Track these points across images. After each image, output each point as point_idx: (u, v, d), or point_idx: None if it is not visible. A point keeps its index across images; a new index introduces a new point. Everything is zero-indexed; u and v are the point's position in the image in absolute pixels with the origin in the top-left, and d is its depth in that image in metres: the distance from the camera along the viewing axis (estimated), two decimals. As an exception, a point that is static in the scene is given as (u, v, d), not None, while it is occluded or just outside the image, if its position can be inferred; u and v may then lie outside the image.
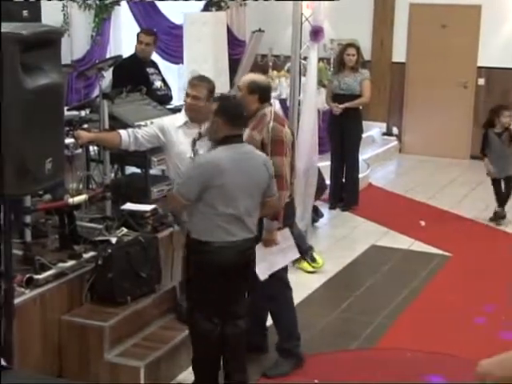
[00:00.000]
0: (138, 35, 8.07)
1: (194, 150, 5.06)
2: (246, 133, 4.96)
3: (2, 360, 3.74)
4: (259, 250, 4.88)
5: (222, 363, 4.77)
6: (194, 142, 5.07)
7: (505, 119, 8.64)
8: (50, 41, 3.82)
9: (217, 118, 4.54)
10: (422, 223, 8.69)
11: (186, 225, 4.71)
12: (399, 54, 12.53)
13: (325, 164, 9.04)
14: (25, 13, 5.59)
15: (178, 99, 8.30)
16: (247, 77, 5.36)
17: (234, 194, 4.46)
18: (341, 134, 9.12)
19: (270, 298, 5.33)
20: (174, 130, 5.39)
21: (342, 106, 8.96)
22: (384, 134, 12.74)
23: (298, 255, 5.55)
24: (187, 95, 5.44)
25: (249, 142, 4.81)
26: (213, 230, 4.48)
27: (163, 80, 8.08)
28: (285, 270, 5.38)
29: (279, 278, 5.29)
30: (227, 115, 4.52)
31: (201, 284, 4.59)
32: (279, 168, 4.97)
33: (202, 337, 4.66)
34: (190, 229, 4.60)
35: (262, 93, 5.20)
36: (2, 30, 3.54)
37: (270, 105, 5.28)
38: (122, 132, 5.37)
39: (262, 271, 5.03)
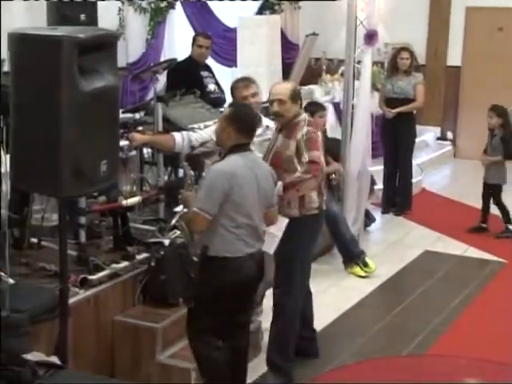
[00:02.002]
0: (194, 39, 8.09)
1: None
2: (280, 140, 4.99)
3: (56, 359, 3.79)
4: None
5: None
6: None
7: None
8: (107, 44, 3.86)
9: (229, 126, 4.47)
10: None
11: (200, 242, 4.48)
12: (454, 58, 12.39)
13: (378, 168, 8.99)
14: (82, 17, 5.69)
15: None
16: (287, 87, 5.20)
17: (250, 204, 4.41)
18: (394, 138, 9.06)
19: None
20: None
21: (394, 110, 8.89)
22: (438, 138, 12.62)
23: (271, 252, 5.04)
24: (245, 97, 5.44)
25: (280, 151, 4.85)
26: (233, 243, 4.38)
27: (217, 83, 8.11)
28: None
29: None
30: (241, 123, 4.47)
31: (217, 304, 4.43)
32: (317, 158, 4.96)
33: (214, 363, 4.54)
34: (207, 246, 4.39)
35: (301, 100, 5.20)
36: (61, 34, 3.59)
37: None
38: (176, 135, 5.39)
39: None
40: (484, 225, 8.58)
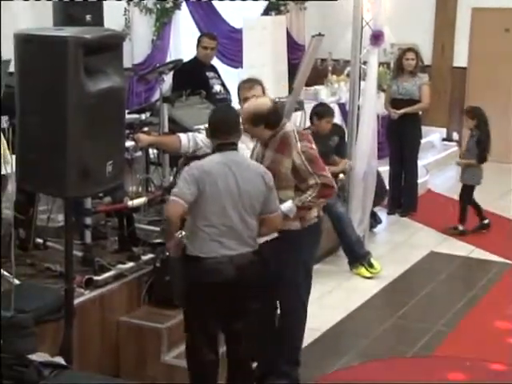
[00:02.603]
0: (199, 40, 8.08)
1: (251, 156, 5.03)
2: (269, 155, 4.79)
3: (61, 359, 3.79)
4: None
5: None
6: (253, 151, 5.04)
7: None
8: (112, 45, 3.87)
9: (208, 127, 4.59)
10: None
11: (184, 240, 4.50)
12: (460, 59, 12.37)
13: (384, 169, 8.97)
14: (88, 17, 5.68)
15: (237, 103, 8.32)
16: (246, 109, 4.86)
17: (226, 203, 4.35)
18: (399, 139, 9.05)
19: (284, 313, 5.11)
20: None
21: (399, 111, 8.89)
22: (444, 139, 12.60)
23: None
24: (245, 100, 5.45)
25: (273, 167, 4.67)
26: (207, 243, 4.35)
27: (223, 84, 8.11)
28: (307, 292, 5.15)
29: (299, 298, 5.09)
30: (216, 124, 4.51)
31: (197, 305, 4.45)
32: (330, 182, 4.87)
33: (201, 367, 4.54)
34: (185, 244, 4.45)
35: (267, 120, 4.77)
36: (67, 34, 3.60)
37: (288, 120, 5.03)
38: (182, 136, 5.39)
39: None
40: (461, 227, 8.56)
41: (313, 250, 5.14)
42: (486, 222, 8.66)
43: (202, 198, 4.33)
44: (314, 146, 4.91)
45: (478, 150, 8.45)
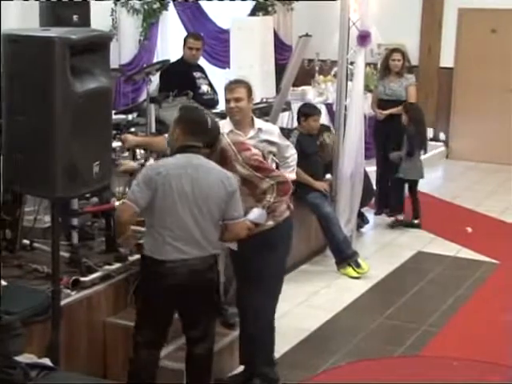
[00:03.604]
0: (185, 40, 8.08)
1: None
2: None
3: (48, 360, 3.78)
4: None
5: None
6: None
7: None
8: (99, 45, 3.87)
9: (175, 127, 4.49)
10: (469, 230, 8.59)
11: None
12: (447, 59, 12.41)
13: (371, 169, 8.99)
14: (74, 18, 5.67)
15: (224, 103, 8.32)
16: None
17: (179, 205, 4.27)
18: (386, 139, 9.06)
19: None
20: None
21: (385, 112, 8.90)
22: (431, 139, 12.59)
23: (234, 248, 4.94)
24: (228, 101, 5.46)
25: None
26: (159, 244, 4.31)
27: (210, 84, 8.11)
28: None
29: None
30: (184, 124, 4.45)
31: (148, 305, 4.45)
32: (283, 178, 4.87)
33: (137, 364, 4.52)
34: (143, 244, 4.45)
35: (206, 140, 4.58)
36: (53, 35, 3.59)
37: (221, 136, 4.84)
38: (169, 136, 5.38)
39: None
40: (416, 221, 8.76)
41: (286, 245, 5.09)
42: (417, 222, 8.72)
43: (155, 200, 4.28)
44: (253, 150, 4.86)
45: (408, 143, 8.59)
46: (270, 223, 4.86)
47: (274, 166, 6.38)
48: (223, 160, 4.71)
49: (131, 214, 4.34)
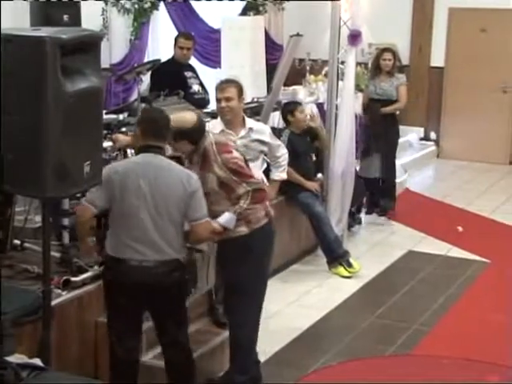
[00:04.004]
0: (176, 40, 8.06)
1: None
2: (197, 172, 4.58)
3: (39, 360, 3.77)
4: None
5: None
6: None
7: None
8: (90, 45, 3.85)
9: (136, 128, 4.52)
10: (460, 229, 8.61)
11: None
12: (438, 59, 12.44)
13: (362, 169, 9.02)
14: (65, 17, 5.67)
15: (215, 103, 8.32)
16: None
17: (137, 206, 4.25)
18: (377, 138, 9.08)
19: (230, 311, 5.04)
20: None
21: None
22: (422, 138, 12.66)
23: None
24: (219, 100, 5.47)
25: (203, 183, 4.51)
26: (117, 243, 4.33)
27: (201, 84, 8.10)
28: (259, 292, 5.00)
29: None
30: (144, 125, 4.44)
31: (111, 303, 4.47)
32: (262, 185, 4.85)
33: (114, 362, 4.55)
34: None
35: (191, 137, 4.69)
36: (44, 34, 3.58)
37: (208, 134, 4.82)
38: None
39: None
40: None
41: (265, 253, 4.97)
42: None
43: (114, 200, 4.29)
44: (235, 154, 4.79)
45: (365, 143, 8.79)
46: (244, 229, 4.78)
47: (264, 165, 6.41)
48: (204, 159, 4.70)
49: (89, 214, 4.36)
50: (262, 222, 4.82)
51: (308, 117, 7.60)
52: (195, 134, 4.67)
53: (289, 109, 7.43)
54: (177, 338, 4.55)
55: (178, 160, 4.73)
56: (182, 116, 4.79)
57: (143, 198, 4.27)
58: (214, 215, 4.65)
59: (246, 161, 4.90)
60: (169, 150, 4.93)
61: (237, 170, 4.71)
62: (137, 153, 4.50)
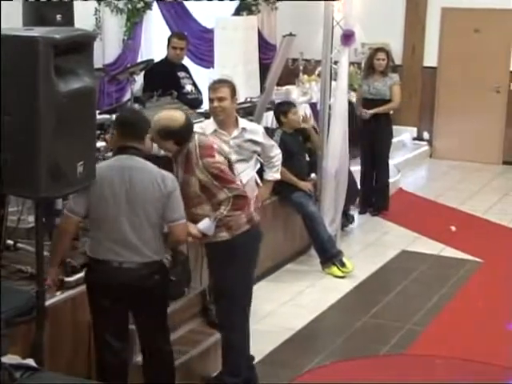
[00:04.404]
0: (169, 40, 8.05)
1: None
2: (180, 175, 4.65)
3: (32, 361, 3.77)
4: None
5: None
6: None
7: None
8: (83, 45, 3.85)
9: (113, 129, 4.50)
10: (453, 229, 8.63)
11: None
12: (431, 59, 12.45)
13: (355, 168, 9.02)
14: (58, 17, 5.66)
15: (208, 103, 8.32)
16: (157, 121, 4.68)
17: (113, 207, 4.24)
18: (371, 138, 9.09)
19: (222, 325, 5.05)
20: None
21: (370, 111, 8.92)
22: (415, 138, 12.67)
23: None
24: (211, 100, 5.46)
25: (183, 187, 4.50)
26: (95, 245, 4.35)
27: (194, 84, 8.09)
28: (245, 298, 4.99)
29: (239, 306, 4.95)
30: (120, 126, 4.43)
31: (93, 302, 4.48)
32: (243, 192, 4.77)
33: (103, 365, 4.55)
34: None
35: (178, 137, 4.66)
36: (37, 34, 3.57)
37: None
38: (153, 136, 5.36)
39: None
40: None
41: (249, 257, 4.94)
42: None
43: (91, 203, 4.27)
44: (218, 158, 4.72)
45: None
46: (225, 235, 4.76)
47: (258, 166, 6.40)
48: (187, 161, 4.69)
49: (72, 223, 4.35)
50: (243, 228, 4.79)
51: (301, 118, 7.58)
52: (182, 134, 4.64)
53: (282, 109, 7.43)
54: (159, 346, 4.55)
55: (169, 161, 4.74)
56: (171, 114, 4.77)
57: (119, 201, 4.25)
58: (195, 219, 4.67)
59: (230, 165, 4.84)
60: (161, 151, 4.94)
61: (218, 175, 4.67)
62: (114, 154, 4.48)
